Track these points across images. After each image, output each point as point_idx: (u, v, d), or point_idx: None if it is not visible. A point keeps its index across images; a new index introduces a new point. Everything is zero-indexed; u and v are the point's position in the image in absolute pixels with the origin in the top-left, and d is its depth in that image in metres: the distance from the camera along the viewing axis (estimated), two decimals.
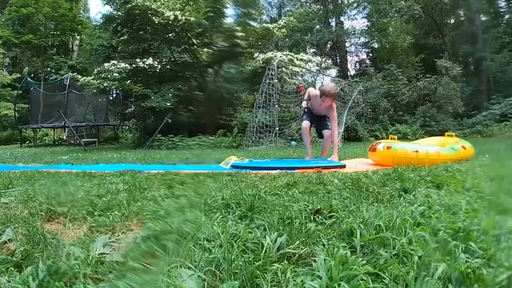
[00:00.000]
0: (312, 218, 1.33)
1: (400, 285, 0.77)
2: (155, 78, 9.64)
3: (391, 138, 4.37)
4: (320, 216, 1.36)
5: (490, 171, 3.43)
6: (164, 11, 8.78)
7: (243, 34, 10.36)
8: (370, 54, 23.43)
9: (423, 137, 10.91)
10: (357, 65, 24.38)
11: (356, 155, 5.88)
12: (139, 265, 0.84)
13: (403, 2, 17.12)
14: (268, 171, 3.14)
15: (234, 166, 3.50)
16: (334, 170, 3.50)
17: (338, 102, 11.07)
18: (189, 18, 8.90)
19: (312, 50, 21.45)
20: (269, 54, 9.44)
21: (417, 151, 3.91)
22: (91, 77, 9.29)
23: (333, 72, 20.31)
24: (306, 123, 4.61)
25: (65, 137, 14.28)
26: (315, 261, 0.89)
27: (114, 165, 4.26)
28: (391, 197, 1.94)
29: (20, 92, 14.02)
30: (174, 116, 9.26)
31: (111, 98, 13.84)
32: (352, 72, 23.02)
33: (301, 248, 0.96)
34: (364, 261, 0.87)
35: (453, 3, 16.94)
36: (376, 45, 21.53)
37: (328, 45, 22.47)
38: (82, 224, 1.36)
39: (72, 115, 13.05)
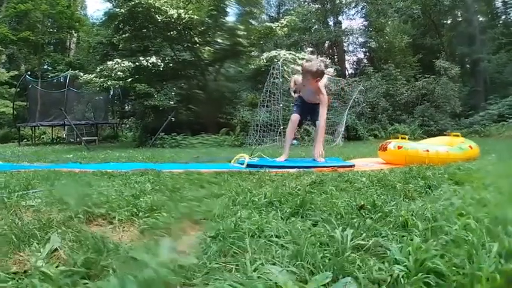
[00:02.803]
0: (358, 213, 1.39)
1: (467, 261, 0.85)
2: (158, 76, 9.60)
3: (402, 138, 4.42)
4: (365, 211, 1.41)
5: (501, 169, 3.53)
6: (168, 9, 8.75)
7: (245, 33, 10.37)
8: (368, 54, 23.60)
9: (422, 137, 11.02)
10: (355, 64, 24.59)
11: (363, 154, 5.91)
12: (219, 265, 0.85)
13: (402, 2, 17.24)
14: (287, 170, 3.16)
15: (249, 165, 3.51)
16: (345, 169, 3.53)
17: (338, 102, 11.15)
18: (192, 16, 8.88)
19: (309, 49, 21.53)
20: (273, 53, 9.46)
21: (428, 150, 3.98)
22: (93, 75, 9.21)
23: (331, 70, 20.37)
24: (295, 116, 3.99)
25: (64, 135, 14.15)
26: (386, 250, 0.95)
27: (127, 164, 4.23)
28: (419, 193, 1.99)
29: (17, 89, 13.86)
30: (177, 115, 9.24)
31: (111, 96, 13.72)
32: (350, 71, 23.20)
33: (368, 240, 1.00)
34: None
35: (451, 4, 17.10)
36: (373, 45, 21.67)
37: (326, 45, 22.59)
38: (129, 226, 1.32)
39: (71, 113, 12.92)
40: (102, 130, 16.07)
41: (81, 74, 9.85)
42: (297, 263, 0.83)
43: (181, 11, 8.90)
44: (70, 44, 20.95)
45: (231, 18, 10.13)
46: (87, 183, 2.41)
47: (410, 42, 19.40)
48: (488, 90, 16.02)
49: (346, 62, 23.59)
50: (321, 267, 0.81)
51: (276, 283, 0.71)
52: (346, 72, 22.20)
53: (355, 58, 25.00)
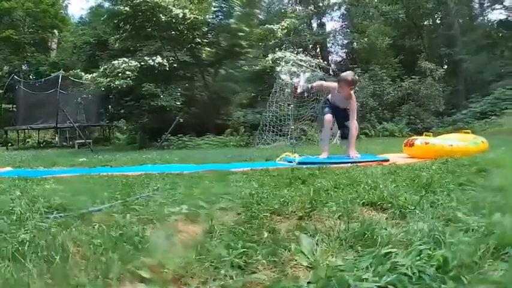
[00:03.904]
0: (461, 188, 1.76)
1: None
2: (162, 76, 9.49)
3: (426, 135, 4.80)
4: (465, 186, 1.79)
5: None
6: (173, 8, 8.69)
7: (244, 34, 10.45)
8: (351, 55, 24.30)
9: (410, 135, 11.54)
10: (338, 65, 25.22)
11: (385, 150, 6.10)
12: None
13: (387, 6, 17.91)
14: (341, 165, 3.35)
15: (300, 162, 3.67)
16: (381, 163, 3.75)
17: None
18: (197, 16, 8.87)
19: (289, 50, 21.86)
20: (278, 54, 9.63)
21: (452, 145, 4.38)
22: (96, 74, 8.98)
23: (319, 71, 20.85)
24: (329, 116, 4.25)
25: (56, 139, 13.58)
26: None
27: (168, 166, 4.20)
28: (479, 175, 2.25)
29: (3, 91, 13.16)
30: (183, 116, 9.19)
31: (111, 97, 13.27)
32: (335, 72, 23.76)
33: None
34: None
35: (434, 8, 17.96)
36: (355, 46, 22.34)
37: (310, 46, 23.08)
38: (319, 218, 1.34)
39: (62, 115, 12.42)
40: (91, 132, 15.59)
41: (83, 73, 9.56)
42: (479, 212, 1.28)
43: (186, 11, 8.87)
44: (51, 44, 20.14)
45: (233, 19, 10.14)
46: (191, 186, 2.23)
47: (391, 44, 20.10)
48: (469, 90, 16.95)
49: (330, 62, 24.24)
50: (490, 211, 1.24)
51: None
52: (331, 72, 22.77)
53: (338, 59, 25.73)
